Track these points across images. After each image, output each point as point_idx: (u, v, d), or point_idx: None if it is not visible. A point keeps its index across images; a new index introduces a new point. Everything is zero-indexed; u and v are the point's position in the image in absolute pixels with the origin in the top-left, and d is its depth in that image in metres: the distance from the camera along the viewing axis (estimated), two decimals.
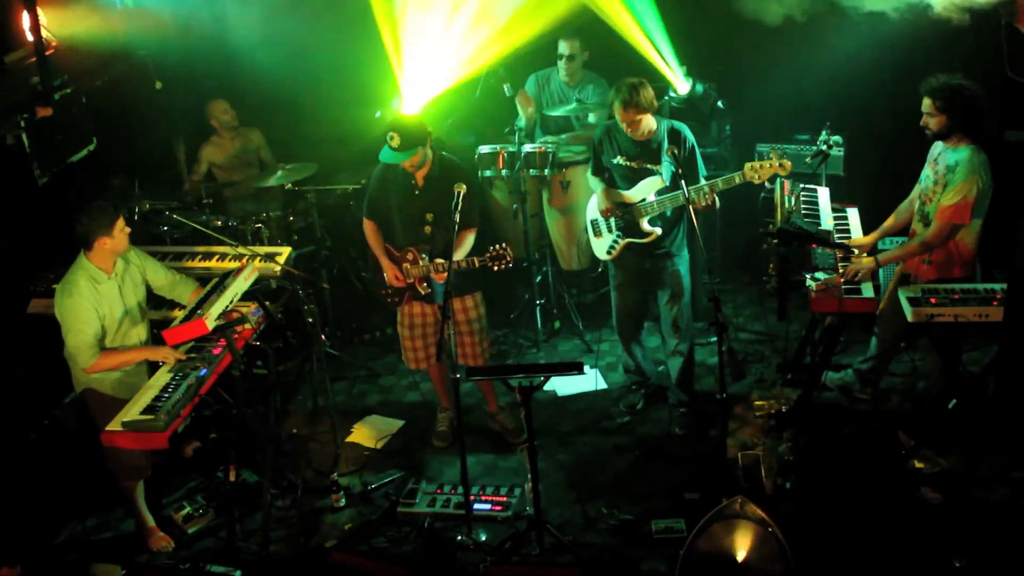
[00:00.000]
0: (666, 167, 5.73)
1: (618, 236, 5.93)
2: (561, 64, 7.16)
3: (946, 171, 5.33)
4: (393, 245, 5.85)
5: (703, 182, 5.65)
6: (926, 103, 5.29)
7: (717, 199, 5.67)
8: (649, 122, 5.68)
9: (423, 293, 5.77)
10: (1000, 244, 5.26)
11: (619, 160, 5.86)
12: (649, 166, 5.79)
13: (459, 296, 5.81)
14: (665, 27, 7.04)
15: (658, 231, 5.81)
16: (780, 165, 5.47)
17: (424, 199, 5.70)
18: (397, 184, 5.75)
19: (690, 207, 5.42)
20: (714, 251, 7.24)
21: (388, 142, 5.54)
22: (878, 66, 6.77)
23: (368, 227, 5.94)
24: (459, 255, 5.59)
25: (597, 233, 6.07)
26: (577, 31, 7.08)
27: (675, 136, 5.73)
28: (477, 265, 5.51)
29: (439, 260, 5.55)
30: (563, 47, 7.10)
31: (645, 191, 5.79)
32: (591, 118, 7.10)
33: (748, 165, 5.52)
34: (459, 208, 5.34)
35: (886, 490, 5.26)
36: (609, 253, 6.01)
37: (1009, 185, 4.73)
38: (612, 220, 5.93)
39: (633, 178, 5.83)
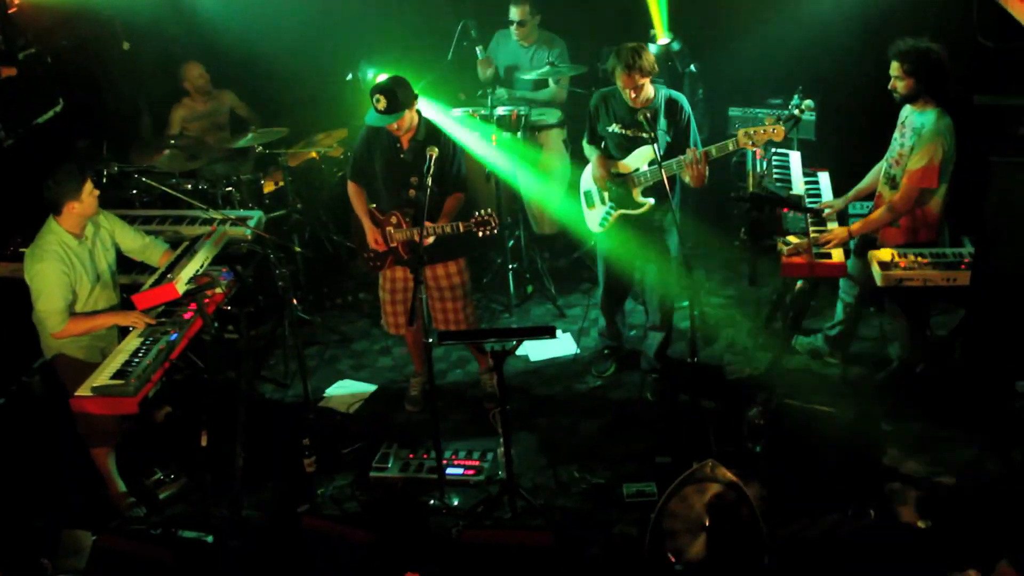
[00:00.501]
0: (661, 136, 5.65)
1: (611, 207, 5.87)
2: (512, 29, 7.19)
3: (912, 133, 5.38)
4: (377, 208, 5.80)
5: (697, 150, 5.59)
6: (894, 66, 5.33)
7: (707, 173, 5.58)
8: (648, 89, 5.60)
9: (405, 257, 5.72)
10: (969, 209, 5.33)
11: (614, 128, 5.75)
12: (644, 135, 5.64)
13: (442, 262, 5.79)
14: None
15: (651, 202, 5.74)
16: (774, 131, 5.42)
17: (409, 162, 5.62)
18: (382, 147, 5.67)
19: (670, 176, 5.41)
20: (686, 216, 7.17)
21: (374, 105, 5.45)
22: (850, 30, 6.84)
23: (352, 189, 5.86)
24: (444, 220, 5.55)
25: (590, 204, 6.01)
26: None
27: (672, 105, 5.66)
28: (462, 230, 5.45)
29: (429, 224, 5.46)
30: (513, 12, 7.13)
31: (639, 161, 5.71)
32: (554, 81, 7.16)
33: (742, 131, 5.45)
34: (430, 172, 5.30)
35: (852, 454, 5.30)
36: (602, 225, 5.94)
37: (978, 149, 4.76)
38: (606, 191, 5.87)
39: (628, 147, 5.74)
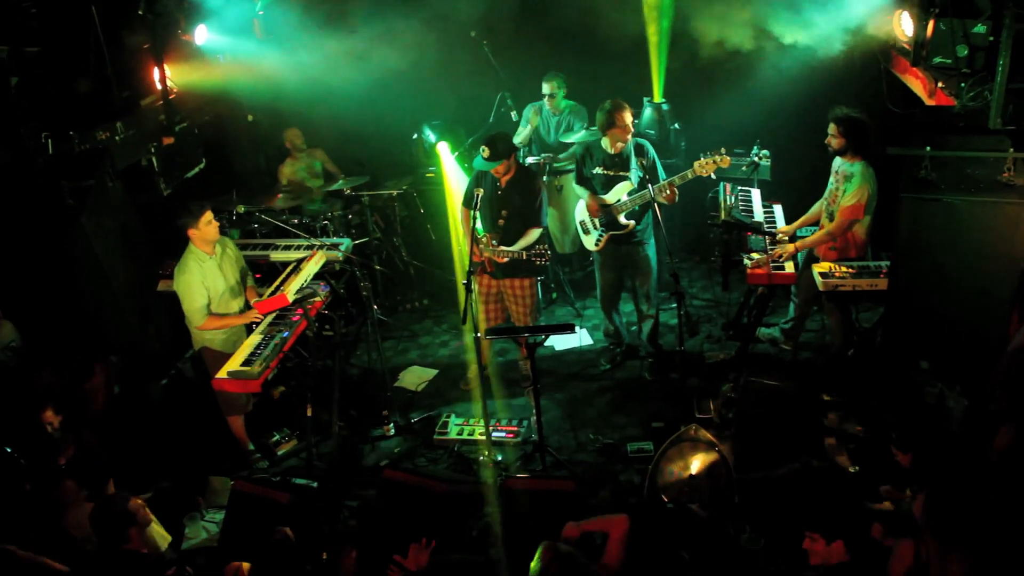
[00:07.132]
0: (634, 173, 5.80)
1: (602, 231, 6.00)
2: (544, 101, 7.23)
3: (844, 179, 5.52)
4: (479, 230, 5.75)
5: (663, 181, 5.73)
6: (831, 127, 5.47)
7: (677, 193, 5.67)
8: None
9: (489, 270, 5.77)
10: (886, 232, 5.45)
11: (598, 170, 5.90)
12: (621, 173, 5.84)
13: (519, 277, 5.80)
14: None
15: (632, 223, 5.89)
16: (721, 159, 5.49)
17: (503, 199, 5.62)
18: (487, 184, 5.65)
19: (655, 203, 5.54)
20: (674, 237, 7.25)
21: (480, 153, 5.47)
22: (795, 97, 6.82)
23: (463, 214, 5.93)
24: (519, 246, 5.54)
25: (586, 231, 6.13)
26: (556, 72, 7.15)
27: (640, 149, 5.82)
28: (525, 257, 5.46)
29: (501, 248, 5.53)
30: (545, 87, 7.15)
31: (619, 193, 5.86)
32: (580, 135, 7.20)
33: (696, 162, 5.57)
34: (477, 206, 5.30)
35: (801, 417, 5.28)
36: (596, 245, 6.06)
37: (891, 188, 4.93)
38: (597, 219, 6.01)
39: (608, 184, 5.89)
